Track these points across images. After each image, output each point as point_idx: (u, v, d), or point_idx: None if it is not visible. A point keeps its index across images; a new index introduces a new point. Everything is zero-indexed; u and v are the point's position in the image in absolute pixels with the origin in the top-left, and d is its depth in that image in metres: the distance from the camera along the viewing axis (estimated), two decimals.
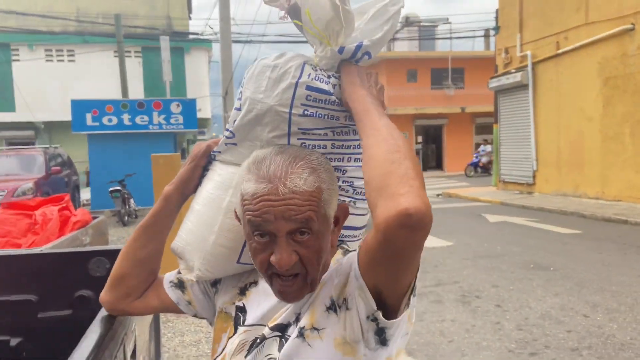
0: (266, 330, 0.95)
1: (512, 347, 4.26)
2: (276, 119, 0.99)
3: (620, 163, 12.14)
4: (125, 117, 13.99)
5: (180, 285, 1.14)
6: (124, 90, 17.11)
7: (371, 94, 0.95)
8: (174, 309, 1.14)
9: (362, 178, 0.94)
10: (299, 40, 17.07)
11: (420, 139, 29.10)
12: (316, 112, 0.98)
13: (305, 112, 0.99)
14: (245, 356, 0.95)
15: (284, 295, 0.91)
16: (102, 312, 1.28)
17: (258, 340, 0.95)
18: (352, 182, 1.05)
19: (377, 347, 0.86)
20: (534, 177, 15.49)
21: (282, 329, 0.94)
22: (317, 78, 0.98)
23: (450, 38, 27.85)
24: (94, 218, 4.27)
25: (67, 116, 15.14)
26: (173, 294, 1.13)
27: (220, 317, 1.07)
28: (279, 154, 0.92)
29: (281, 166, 0.89)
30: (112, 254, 2.13)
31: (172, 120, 14.21)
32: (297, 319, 0.93)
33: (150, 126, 14.16)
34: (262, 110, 1.00)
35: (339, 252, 1.03)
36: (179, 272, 1.15)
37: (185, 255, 1.09)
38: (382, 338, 0.85)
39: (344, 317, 0.88)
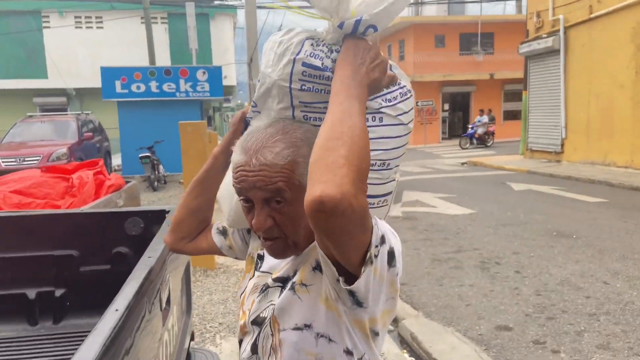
0: (270, 281, 1.08)
1: (529, 311, 4.36)
2: (281, 92, 1.06)
3: None
4: (153, 85, 14.19)
5: (223, 232, 1.30)
6: (151, 57, 17.27)
7: (356, 71, 0.95)
8: (218, 252, 1.30)
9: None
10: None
11: (447, 106, 28.67)
12: (313, 87, 1.03)
13: (303, 87, 1.04)
14: (256, 297, 1.09)
15: (270, 250, 1.04)
16: (140, 264, 1.43)
17: (264, 288, 1.08)
18: None
19: (354, 307, 0.93)
20: (562, 145, 15.22)
21: (283, 281, 1.05)
22: (312, 55, 1.03)
23: (480, 1, 26.99)
24: (127, 182, 4.46)
25: (97, 83, 15.43)
26: (217, 239, 1.29)
27: (248, 259, 1.23)
28: (267, 128, 1.01)
29: (259, 141, 0.99)
30: (146, 215, 2.29)
31: (198, 88, 14.36)
32: (294, 275, 1.04)
33: (177, 94, 14.35)
34: (270, 84, 1.07)
35: None
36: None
37: (221, 205, 1.25)
38: (355, 299, 0.92)
39: (324, 277, 0.96)
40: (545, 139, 16.09)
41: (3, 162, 11.25)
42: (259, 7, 12.81)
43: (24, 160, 11.18)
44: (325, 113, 1.03)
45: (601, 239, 6.48)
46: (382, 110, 1.05)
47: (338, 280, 0.90)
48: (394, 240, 0.95)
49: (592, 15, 13.48)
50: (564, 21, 14.70)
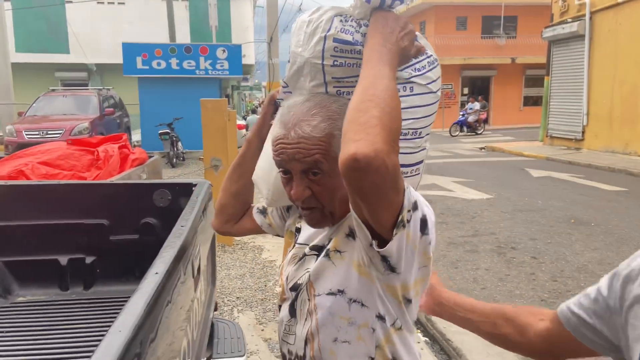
0: (307, 250, 1.14)
1: (545, 296, 4.38)
2: (313, 70, 1.10)
3: None
4: (173, 62, 14.25)
5: (263, 211, 1.36)
6: (172, 34, 17.30)
7: (387, 40, 0.98)
8: (260, 230, 1.36)
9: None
10: None
11: (466, 90, 28.31)
12: (345, 62, 1.07)
13: (335, 63, 1.07)
14: (293, 266, 1.15)
15: (308, 220, 1.10)
16: (174, 233, 1.48)
17: (301, 257, 1.14)
18: None
19: (387, 272, 0.96)
20: (583, 132, 15.00)
21: (318, 249, 1.11)
22: (342, 30, 1.06)
23: None
24: (150, 157, 4.54)
25: (117, 59, 15.53)
26: (258, 218, 1.36)
27: (287, 234, 1.29)
28: (305, 102, 1.05)
29: (297, 114, 1.03)
30: (174, 188, 2.36)
31: (217, 66, 14.39)
32: (329, 243, 1.09)
33: (197, 71, 14.40)
34: (301, 63, 1.11)
35: None
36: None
37: (258, 186, 1.30)
38: (388, 265, 0.95)
39: (357, 243, 1.00)
40: (566, 126, 15.86)
41: (27, 134, 11.46)
42: None
43: (47, 134, 11.37)
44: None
45: (620, 227, 6.44)
46: (412, 79, 1.08)
47: (371, 245, 0.93)
48: (427, 210, 0.97)
49: (620, 0, 13.14)
50: (590, 6, 14.36)
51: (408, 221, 0.91)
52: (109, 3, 22.82)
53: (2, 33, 14.66)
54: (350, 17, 1.08)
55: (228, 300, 4.36)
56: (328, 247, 1.07)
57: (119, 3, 22.83)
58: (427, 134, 1.16)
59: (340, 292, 1.03)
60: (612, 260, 5.19)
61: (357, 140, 0.81)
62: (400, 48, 0.99)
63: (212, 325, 2.26)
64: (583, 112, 14.88)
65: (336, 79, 1.09)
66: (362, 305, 1.02)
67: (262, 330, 3.80)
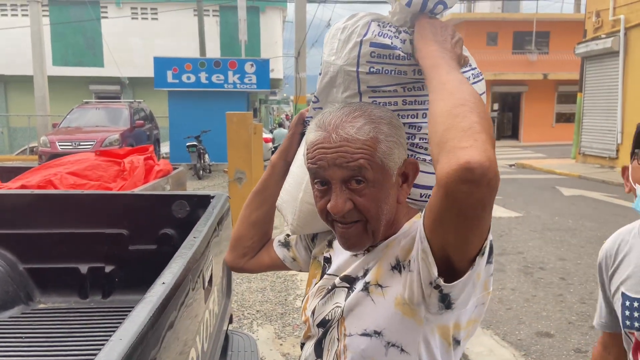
0: (337, 281, 1.01)
1: (572, 319, 4.23)
2: (347, 79, 1.01)
3: None
4: (203, 76, 14.52)
5: (286, 244, 1.24)
6: (202, 49, 17.65)
7: (444, 47, 0.91)
8: (281, 265, 1.24)
9: None
10: (375, 0, 16.71)
11: (496, 106, 27.97)
12: (382, 68, 0.98)
13: (372, 70, 0.99)
14: (320, 300, 1.03)
15: (345, 239, 0.94)
16: (186, 244, 1.48)
17: (330, 288, 1.02)
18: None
19: (441, 312, 0.87)
20: (617, 150, 14.58)
21: (350, 281, 0.98)
22: (381, 34, 0.98)
23: None
24: (175, 169, 4.61)
25: (149, 72, 15.91)
26: (280, 251, 1.23)
27: (313, 264, 1.16)
28: (343, 107, 0.95)
29: (338, 116, 0.92)
30: (192, 199, 2.37)
31: (245, 80, 14.59)
32: (365, 274, 0.96)
33: (225, 85, 14.63)
34: (334, 72, 1.02)
35: (419, 214, 1.00)
36: (287, 235, 1.26)
37: (283, 211, 1.19)
38: (446, 303, 0.85)
39: (406, 277, 0.89)
40: (600, 144, 15.46)
41: (60, 145, 11.79)
42: (309, 1, 12.88)
43: (79, 145, 11.68)
44: (394, 97, 1.01)
45: None
46: None
47: (431, 283, 0.83)
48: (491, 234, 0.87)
49: None
50: (625, 21, 14.06)
51: (485, 247, 0.81)
52: (142, 18, 23.48)
53: (40, 47, 15.21)
54: (389, 23, 1.01)
55: (248, 313, 4.35)
56: (367, 279, 0.95)
57: (152, 18, 23.46)
58: None
59: (377, 333, 0.91)
60: None
61: (465, 148, 0.70)
62: (456, 56, 0.92)
63: (227, 337, 2.24)
64: (617, 130, 14.49)
65: (372, 88, 1.00)
66: (402, 350, 0.90)
67: (281, 345, 3.77)
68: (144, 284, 2.43)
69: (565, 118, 26.86)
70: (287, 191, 1.18)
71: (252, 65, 14.60)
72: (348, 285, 0.98)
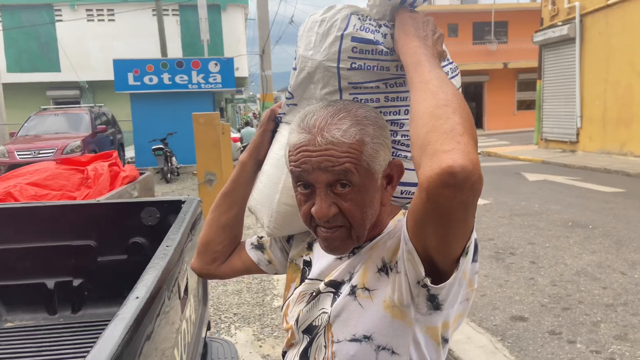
0: (321, 286, 0.98)
1: (545, 301, 4.33)
2: (326, 75, 0.97)
3: None
4: (165, 77, 14.25)
5: (260, 246, 1.19)
6: (163, 49, 17.32)
7: (425, 44, 0.88)
8: (256, 269, 1.19)
9: None
10: None
11: None
12: (364, 64, 0.94)
13: (353, 65, 0.95)
14: (304, 307, 0.99)
15: (328, 243, 0.91)
16: (158, 253, 1.43)
17: (314, 294, 0.98)
18: None
19: (430, 312, 0.86)
20: (577, 134, 15.03)
21: (335, 286, 0.95)
22: (363, 28, 0.94)
23: None
24: (141, 174, 4.50)
25: (108, 76, 15.53)
26: (254, 254, 1.18)
27: (291, 267, 1.13)
28: (326, 107, 0.91)
29: (323, 118, 0.89)
30: (162, 205, 2.30)
31: (210, 80, 14.39)
32: (350, 278, 0.94)
33: (190, 85, 14.39)
34: (312, 68, 0.98)
35: (401, 212, 1.00)
36: (260, 236, 1.21)
37: (257, 213, 1.14)
38: (435, 303, 0.84)
39: (394, 279, 0.87)
40: (560, 129, 15.90)
41: (19, 155, 11.39)
42: None
43: (39, 153, 11.30)
44: (376, 93, 0.97)
45: (618, 229, 6.40)
46: None
47: (418, 283, 0.82)
48: (475, 233, 0.86)
49: (610, 2, 13.24)
50: (580, 8, 14.46)
51: (468, 247, 0.81)
52: (99, 20, 22.89)
53: None
54: (368, 16, 0.97)
55: (225, 317, 4.29)
56: (353, 283, 0.92)
57: (109, 20, 22.90)
58: None
59: (367, 338, 0.89)
60: (612, 263, 5.15)
61: (448, 151, 0.68)
62: (437, 52, 0.90)
63: (206, 345, 2.19)
64: (576, 115, 14.93)
65: (353, 85, 0.96)
66: (393, 352, 0.89)
67: (261, 346, 3.73)
68: (115, 296, 2.36)
69: (526, 105, 27.51)
70: (261, 191, 1.12)
71: (216, 64, 14.40)
72: (334, 290, 0.96)
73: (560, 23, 15.32)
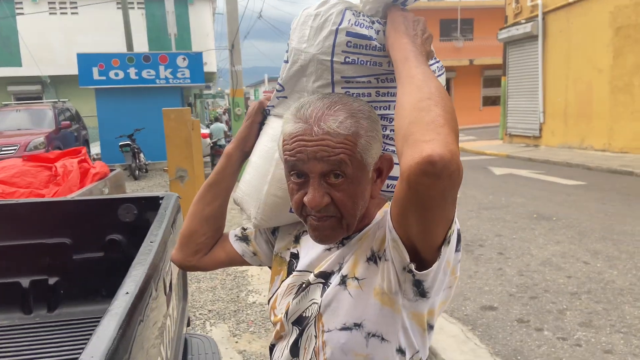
0: (311, 277, 0.99)
1: (513, 291, 4.47)
2: (319, 68, 0.99)
3: (628, 115, 12.09)
4: (132, 71, 13.96)
5: (244, 238, 1.19)
6: (129, 43, 16.95)
7: (414, 42, 0.91)
8: (240, 261, 1.19)
9: None
10: None
11: None
12: (358, 58, 0.97)
13: (347, 60, 0.97)
14: (293, 299, 1.00)
15: (318, 232, 0.93)
16: (143, 249, 1.43)
17: (304, 285, 0.99)
18: None
19: (416, 299, 0.88)
20: (540, 129, 15.47)
21: (325, 277, 0.97)
22: (357, 23, 0.96)
23: None
24: (112, 170, 4.42)
25: (72, 70, 15.11)
26: (238, 246, 1.18)
27: (276, 260, 1.13)
28: (322, 99, 0.93)
29: (319, 109, 0.91)
30: (140, 202, 2.28)
31: (178, 75, 14.18)
32: (340, 268, 0.96)
33: (157, 80, 14.14)
34: (305, 61, 1.00)
35: (387, 203, 1.02)
36: (244, 228, 1.21)
37: (243, 205, 1.15)
38: (420, 290, 0.86)
39: (382, 267, 0.89)
40: (524, 124, 16.32)
41: None
42: None
43: (1, 150, 10.94)
44: (368, 88, 1.00)
45: (580, 220, 6.64)
46: None
47: (404, 269, 0.84)
48: (458, 223, 0.89)
49: (571, 0, 13.64)
50: (542, 6, 14.85)
51: (450, 236, 0.83)
52: (61, 13, 22.21)
53: None
54: (361, 12, 0.99)
55: (200, 314, 4.27)
56: (343, 273, 0.94)
57: (72, 13, 22.24)
58: None
59: (357, 325, 0.91)
60: (575, 253, 5.34)
61: (428, 141, 0.71)
62: (425, 52, 0.93)
63: (186, 341, 2.19)
64: (539, 110, 15.35)
65: (345, 79, 0.98)
66: (383, 339, 0.91)
67: (237, 342, 3.73)
68: (91, 294, 2.33)
69: (491, 101, 28.11)
70: (249, 183, 1.13)
71: (184, 59, 14.19)
72: (323, 281, 0.97)
73: (523, 21, 15.70)
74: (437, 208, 0.76)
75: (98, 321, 0.99)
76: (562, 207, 7.47)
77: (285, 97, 1.07)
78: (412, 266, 0.84)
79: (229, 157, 1.16)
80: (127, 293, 1.07)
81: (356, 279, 0.93)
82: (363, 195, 0.92)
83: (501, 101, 17.96)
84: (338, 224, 0.93)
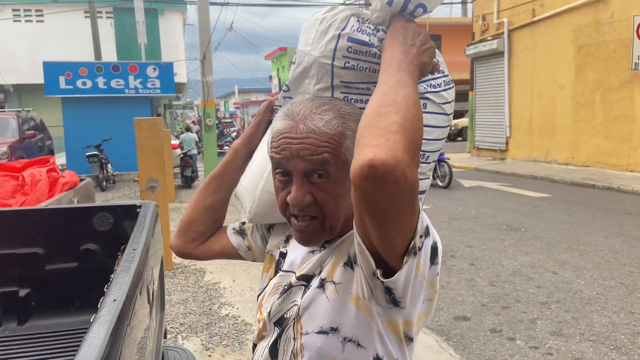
0: (293, 279, 0.99)
1: (485, 301, 4.53)
2: (320, 71, 1.00)
3: (590, 130, 12.53)
4: (100, 81, 13.69)
5: (241, 232, 1.21)
6: (97, 53, 16.66)
7: (407, 51, 0.90)
8: (234, 254, 1.20)
9: None
10: (276, 4, 16.77)
11: None
12: (357, 64, 0.98)
13: (347, 65, 0.98)
14: (277, 299, 1.01)
15: (301, 234, 0.93)
16: (126, 257, 1.39)
17: (286, 287, 1.00)
18: None
19: (389, 306, 0.87)
20: (506, 143, 15.86)
21: (307, 279, 0.97)
22: (359, 30, 0.98)
23: None
24: (82, 180, 4.30)
25: (37, 79, 14.75)
26: (235, 239, 1.20)
27: (267, 257, 1.14)
28: (313, 100, 0.95)
29: (308, 107, 0.92)
30: (116, 210, 2.23)
31: (148, 85, 13.98)
32: (320, 271, 0.95)
33: (127, 90, 13.91)
34: (308, 63, 1.02)
35: None
36: (242, 222, 1.23)
37: (241, 199, 1.17)
38: (392, 298, 0.85)
39: (357, 273, 0.89)
40: (491, 138, 16.72)
41: None
42: (212, 4, 12.63)
43: None
44: (366, 95, 1.00)
45: (547, 231, 6.81)
46: (426, 95, 1.01)
47: (374, 274, 0.83)
48: (438, 237, 0.89)
49: (535, 19, 14.13)
50: (508, 24, 15.33)
51: (420, 248, 0.82)
52: (26, 21, 21.71)
53: None
54: (368, 20, 1.00)
55: (171, 327, 4.17)
56: (322, 276, 0.94)
57: (37, 21, 21.77)
58: (434, 161, 1.07)
59: (334, 330, 0.91)
60: (544, 263, 5.47)
61: (375, 145, 0.70)
62: (420, 63, 0.91)
63: (163, 354, 2.14)
64: (506, 125, 15.76)
65: (345, 84, 1.00)
66: (359, 345, 0.90)
67: (210, 355, 3.66)
68: (65, 305, 2.25)
69: (459, 115, 28.68)
70: (248, 179, 1.15)
71: (154, 69, 14.02)
72: (305, 284, 0.97)
73: (490, 38, 16.16)
74: (388, 215, 0.75)
75: (72, 334, 0.96)
76: (529, 218, 7.65)
77: (291, 98, 1.08)
78: (379, 272, 0.82)
79: (236, 152, 1.18)
80: (115, 300, 1.04)
81: (334, 282, 0.92)
82: (347, 197, 0.91)
83: (469, 115, 18.37)
84: (321, 226, 0.93)
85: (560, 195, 9.65)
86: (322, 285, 0.93)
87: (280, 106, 1.12)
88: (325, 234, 0.94)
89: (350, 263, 0.92)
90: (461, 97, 26.91)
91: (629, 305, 4.31)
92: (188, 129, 16.82)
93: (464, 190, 10.82)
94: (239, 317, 4.31)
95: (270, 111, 1.16)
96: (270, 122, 1.16)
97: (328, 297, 0.91)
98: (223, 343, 3.86)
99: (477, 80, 17.51)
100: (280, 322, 0.99)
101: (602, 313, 4.16)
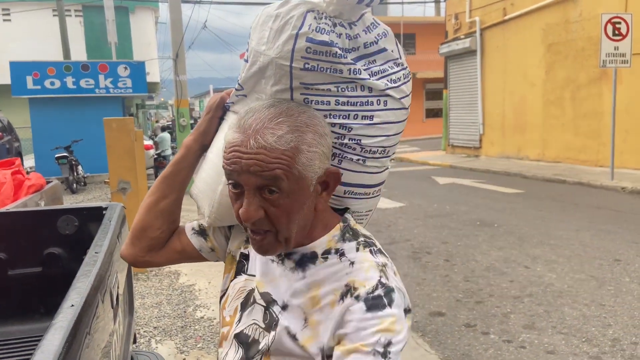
0: (256, 294, 0.98)
1: (459, 296, 4.57)
2: (278, 73, 0.96)
3: (560, 126, 12.80)
4: (69, 80, 13.39)
5: (202, 232, 1.15)
6: (66, 52, 16.30)
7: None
8: (197, 256, 1.15)
9: (371, 136, 0.97)
10: (251, 2, 16.66)
11: None
12: (317, 65, 0.94)
13: (306, 66, 0.94)
14: (240, 309, 1.00)
15: (257, 247, 0.93)
16: (88, 261, 1.34)
17: (250, 298, 0.99)
18: (360, 140, 0.99)
19: None
20: (480, 140, 16.08)
21: (268, 302, 0.96)
22: (318, 29, 0.93)
23: (402, 3, 27.88)
24: (48, 182, 4.19)
25: (3, 79, 14.35)
26: (196, 240, 1.14)
27: (228, 258, 1.12)
28: (269, 108, 0.90)
29: (260, 120, 0.88)
30: (81, 213, 2.16)
31: (119, 84, 13.73)
32: (285, 307, 0.95)
33: (97, 90, 13.64)
34: (264, 63, 0.96)
35: (338, 227, 0.99)
36: (201, 222, 1.18)
37: (198, 202, 1.12)
38: None
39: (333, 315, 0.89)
40: (465, 135, 16.93)
41: None
42: (184, 2, 12.47)
43: None
44: (327, 96, 0.97)
45: (520, 226, 6.92)
46: (387, 92, 0.99)
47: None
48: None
49: (506, 18, 14.35)
50: (480, 23, 15.54)
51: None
52: None
53: None
54: (323, 13, 0.95)
55: (144, 331, 4.10)
56: (285, 323, 0.93)
57: (4, 20, 21.19)
58: (394, 153, 1.07)
59: None
60: (516, 258, 5.55)
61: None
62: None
63: (132, 358, 2.08)
64: (479, 122, 15.98)
65: (305, 85, 0.95)
66: None
67: (184, 359, 3.60)
68: (29, 311, 2.18)
69: (433, 113, 28.98)
70: (204, 180, 1.10)
71: (126, 68, 13.77)
72: (265, 305, 0.97)
73: (463, 36, 16.36)
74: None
75: (36, 341, 0.91)
76: (502, 214, 7.76)
77: (245, 96, 1.04)
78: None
79: (188, 150, 1.12)
80: (73, 305, 1.00)
81: (297, 336, 0.92)
82: (301, 210, 0.90)
83: (443, 113, 18.57)
84: (275, 239, 0.92)
85: (533, 190, 9.82)
86: (288, 332, 0.92)
87: (232, 103, 1.08)
88: (280, 246, 0.92)
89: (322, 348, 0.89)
90: (435, 95, 27.24)
91: (599, 297, 4.40)
92: (168, 128, 16.56)
93: (438, 187, 10.92)
94: (215, 319, 4.25)
95: (221, 108, 1.12)
96: (222, 118, 1.12)
97: (297, 345, 0.91)
98: (198, 346, 3.80)
99: (450, 78, 17.71)
100: (240, 338, 0.98)
101: (573, 306, 4.23)
